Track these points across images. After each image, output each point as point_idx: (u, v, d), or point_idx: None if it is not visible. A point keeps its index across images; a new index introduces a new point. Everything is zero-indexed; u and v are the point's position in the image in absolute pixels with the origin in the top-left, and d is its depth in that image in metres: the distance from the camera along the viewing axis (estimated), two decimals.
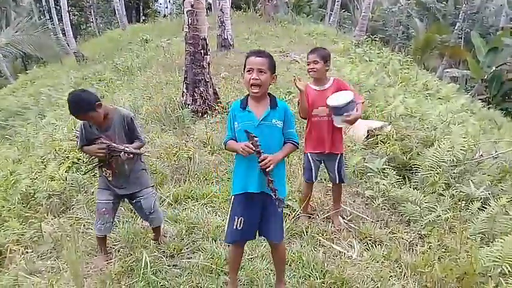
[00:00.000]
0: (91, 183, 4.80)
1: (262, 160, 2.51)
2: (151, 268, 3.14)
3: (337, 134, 3.82)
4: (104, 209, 3.29)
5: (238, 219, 2.71)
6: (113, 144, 3.10)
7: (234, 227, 2.73)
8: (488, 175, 4.93)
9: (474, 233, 3.75)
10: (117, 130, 3.20)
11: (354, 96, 3.59)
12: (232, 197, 2.82)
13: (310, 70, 3.75)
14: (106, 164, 3.23)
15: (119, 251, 3.56)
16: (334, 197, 4.12)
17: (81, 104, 3.00)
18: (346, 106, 3.53)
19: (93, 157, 3.35)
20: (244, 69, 2.72)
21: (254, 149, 2.51)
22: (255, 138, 2.52)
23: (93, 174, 4.88)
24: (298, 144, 2.78)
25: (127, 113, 3.28)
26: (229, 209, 2.82)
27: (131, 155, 3.18)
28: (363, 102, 3.76)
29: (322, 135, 3.78)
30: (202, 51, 6.90)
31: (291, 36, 15.11)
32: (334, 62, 10.89)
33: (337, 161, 3.87)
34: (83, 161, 5.14)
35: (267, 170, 2.52)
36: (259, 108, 2.69)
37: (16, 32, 13.93)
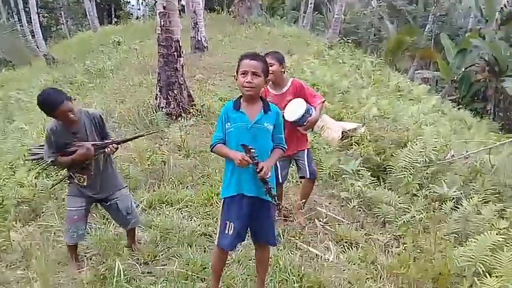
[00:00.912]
0: (61, 190, 4.66)
1: (260, 170, 2.52)
2: (124, 276, 3.07)
3: (298, 134, 3.84)
4: (75, 216, 3.19)
5: (229, 223, 2.69)
6: (96, 142, 3.05)
7: (226, 232, 2.71)
8: (460, 175, 5.03)
9: (448, 233, 3.82)
10: (88, 130, 3.13)
11: (309, 102, 3.69)
12: (223, 200, 2.78)
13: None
14: (80, 169, 3.13)
15: (90, 258, 3.46)
16: (302, 192, 4.08)
17: (60, 92, 2.97)
18: (302, 117, 3.61)
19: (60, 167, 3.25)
20: (237, 70, 2.71)
21: (252, 161, 2.52)
22: (252, 151, 2.52)
23: (64, 180, 4.76)
24: (286, 149, 2.83)
25: (95, 112, 3.23)
26: (220, 212, 2.80)
27: (118, 145, 3.14)
28: (323, 101, 3.80)
29: (288, 138, 3.77)
30: (175, 53, 6.81)
31: (265, 38, 15.13)
32: (308, 64, 10.96)
33: (305, 155, 3.91)
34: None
35: (266, 178, 2.56)
36: (252, 111, 2.69)
37: None
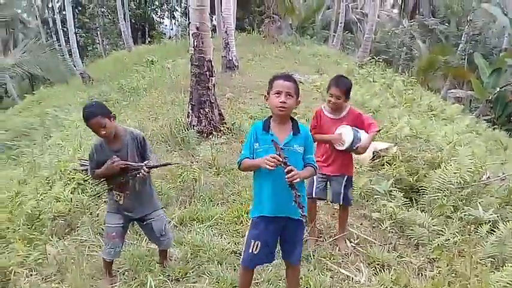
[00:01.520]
0: (96, 205, 4.79)
1: (289, 172, 2.47)
2: None
3: (345, 155, 3.81)
4: (114, 233, 3.27)
5: (254, 243, 2.71)
6: (130, 162, 3.12)
7: (250, 251, 2.72)
8: (496, 197, 4.87)
9: (484, 257, 3.69)
10: (130, 150, 3.20)
11: (365, 129, 3.69)
12: (251, 219, 2.82)
13: (330, 103, 3.72)
14: (118, 187, 3.21)
15: (123, 274, 3.52)
16: (340, 220, 4.08)
17: (99, 107, 3.09)
18: (352, 144, 3.60)
19: (102, 180, 3.34)
20: (269, 90, 2.73)
21: (281, 160, 2.48)
22: (282, 149, 2.53)
23: (98, 195, 4.87)
24: (317, 169, 2.80)
25: (138, 133, 3.30)
26: (248, 232, 2.84)
27: (149, 170, 3.17)
28: (378, 131, 3.75)
29: (329, 158, 3.78)
30: (207, 72, 6.94)
31: (295, 57, 15.23)
32: None
33: (343, 181, 3.83)
34: (89, 182, 5.13)
35: (294, 182, 2.48)
36: (281, 133, 2.69)
37: (23, 53, 14.09)
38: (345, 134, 3.65)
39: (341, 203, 3.90)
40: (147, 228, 3.40)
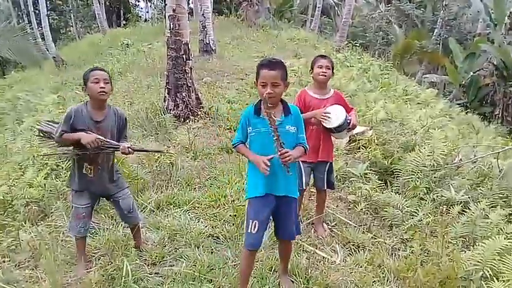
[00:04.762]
0: (70, 190, 4.71)
1: (283, 153, 2.57)
2: (132, 276, 3.08)
3: (329, 142, 3.84)
4: (83, 213, 3.25)
5: (252, 222, 2.75)
6: (109, 140, 3.11)
7: (249, 231, 2.77)
8: (468, 179, 4.99)
9: (455, 237, 3.79)
10: (111, 125, 3.20)
11: (345, 108, 3.73)
12: (248, 200, 2.86)
13: (321, 74, 3.72)
14: (89, 159, 3.16)
15: (99, 259, 3.48)
16: (318, 203, 4.10)
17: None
18: (345, 120, 3.61)
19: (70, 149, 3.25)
20: (257, 79, 2.75)
21: (274, 127, 2.56)
22: (277, 127, 2.58)
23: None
24: (307, 149, 2.86)
25: (122, 112, 3.33)
26: (245, 213, 2.90)
27: (133, 151, 3.20)
28: (356, 110, 3.81)
29: (317, 143, 3.76)
30: (184, 56, 6.86)
31: (273, 41, 15.16)
32: None
33: (327, 167, 3.87)
34: (62, 168, 5.04)
35: (287, 162, 2.59)
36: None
37: None
38: (337, 111, 3.65)
39: (325, 188, 3.94)
40: (114, 205, 3.42)
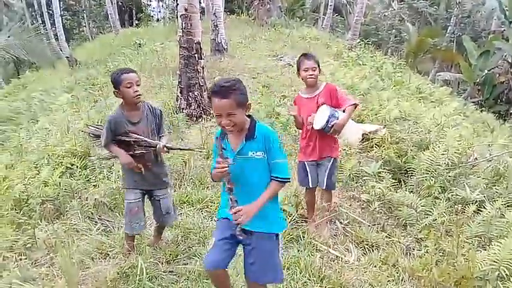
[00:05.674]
0: (85, 189, 4.77)
1: (234, 213, 2.22)
2: (147, 274, 3.10)
3: (326, 140, 3.80)
4: (136, 208, 3.31)
5: (214, 240, 2.46)
6: (146, 138, 3.19)
7: (209, 251, 2.48)
8: (483, 178, 4.93)
9: (471, 237, 3.75)
10: (149, 123, 3.26)
11: (340, 105, 3.70)
12: (217, 220, 2.67)
13: (309, 77, 3.71)
14: (137, 158, 3.22)
15: (114, 257, 3.52)
16: (323, 203, 3.99)
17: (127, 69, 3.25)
18: (327, 123, 3.58)
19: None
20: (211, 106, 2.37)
21: (232, 198, 2.28)
22: (231, 186, 2.29)
23: (87, 180, 4.84)
24: (286, 179, 2.39)
25: (157, 106, 3.37)
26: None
27: (168, 151, 3.28)
28: (355, 105, 3.74)
29: (314, 143, 3.78)
30: (196, 55, 6.88)
31: (285, 40, 15.11)
32: (328, 66, 10.91)
33: (328, 165, 3.81)
34: (77, 166, 5.09)
35: (239, 224, 2.24)
36: (236, 140, 2.39)
37: (8, 36, 13.80)
38: (320, 112, 3.64)
39: (324, 187, 3.87)
40: (154, 204, 3.44)
